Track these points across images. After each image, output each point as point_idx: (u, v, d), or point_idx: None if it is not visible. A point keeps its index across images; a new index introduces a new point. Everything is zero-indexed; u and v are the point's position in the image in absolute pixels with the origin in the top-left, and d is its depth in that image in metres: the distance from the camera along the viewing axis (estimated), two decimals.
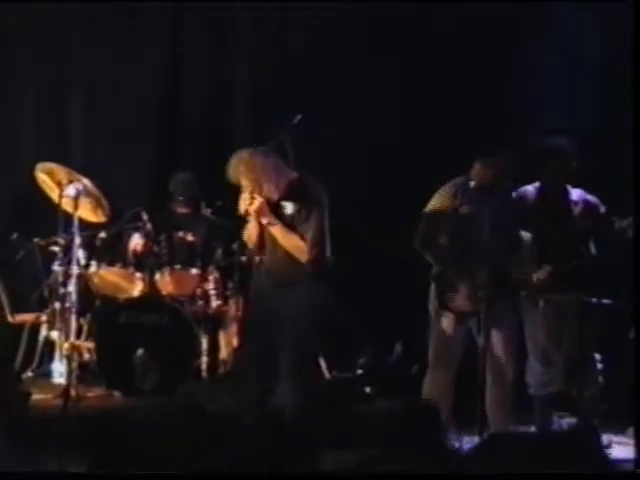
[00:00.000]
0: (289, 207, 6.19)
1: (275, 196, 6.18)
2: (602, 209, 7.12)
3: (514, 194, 7.10)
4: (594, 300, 6.86)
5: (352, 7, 8.64)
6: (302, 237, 6.15)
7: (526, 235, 6.92)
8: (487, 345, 6.52)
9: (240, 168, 6.13)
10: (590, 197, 7.17)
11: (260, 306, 6.37)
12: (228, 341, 7.97)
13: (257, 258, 6.41)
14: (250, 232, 6.27)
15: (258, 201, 6.11)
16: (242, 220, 6.36)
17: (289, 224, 6.17)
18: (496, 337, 6.57)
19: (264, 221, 6.15)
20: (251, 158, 6.13)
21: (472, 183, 6.63)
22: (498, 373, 6.59)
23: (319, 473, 4.08)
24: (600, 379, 7.01)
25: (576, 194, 7.20)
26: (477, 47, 8.63)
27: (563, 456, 4.92)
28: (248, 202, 6.13)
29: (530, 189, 7.23)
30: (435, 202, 6.69)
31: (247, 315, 7.03)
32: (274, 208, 6.18)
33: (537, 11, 8.55)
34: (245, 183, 6.13)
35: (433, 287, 6.70)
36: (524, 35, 8.64)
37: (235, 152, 6.24)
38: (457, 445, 6.47)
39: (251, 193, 6.12)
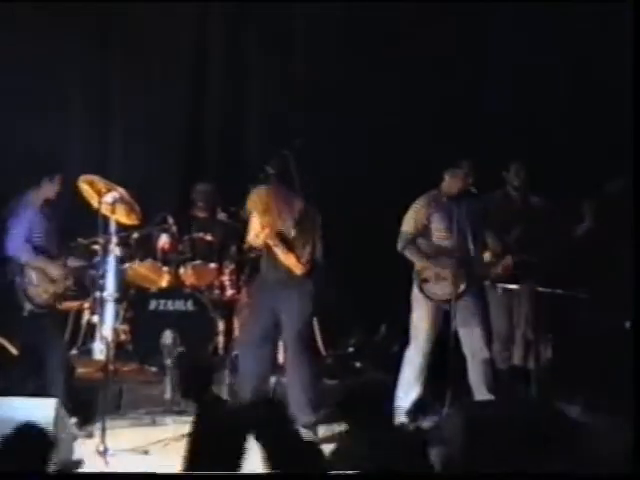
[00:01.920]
0: (292, 232, 6.61)
1: (281, 224, 6.61)
2: (556, 213, 7.43)
3: (482, 199, 7.29)
4: (546, 289, 7.08)
5: (349, 21, 8.72)
6: (298, 258, 6.58)
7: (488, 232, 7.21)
8: (461, 328, 6.80)
9: (256, 205, 6.61)
10: (547, 203, 7.52)
11: (262, 299, 6.78)
12: (240, 324, 7.99)
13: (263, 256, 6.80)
14: (255, 241, 6.72)
15: (267, 230, 6.59)
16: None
17: (289, 244, 6.60)
18: (469, 321, 6.84)
19: (270, 243, 6.61)
20: (266, 195, 6.59)
21: (442, 193, 6.92)
22: (476, 351, 6.83)
23: (320, 473, 3.91)
24: (551, 355, 7.33)
25: (535, 200, 7.55)
26: (453, 52, 8.67)
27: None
28: (259, 230, 6.62)
29: (494, 194, 7.56)
30: (412, 212, 6.93)
31: (250, 305, 7.24)
32: (279, 231, 6.63)
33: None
34: (258, 215, 6.60)
35: (414, 280, 6.93)
36: (504, 36, 8.58)
37: (247, 167, 6.82)
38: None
39: (262, 224, 6.60)
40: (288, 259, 6.61)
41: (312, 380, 6.70)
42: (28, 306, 6.84)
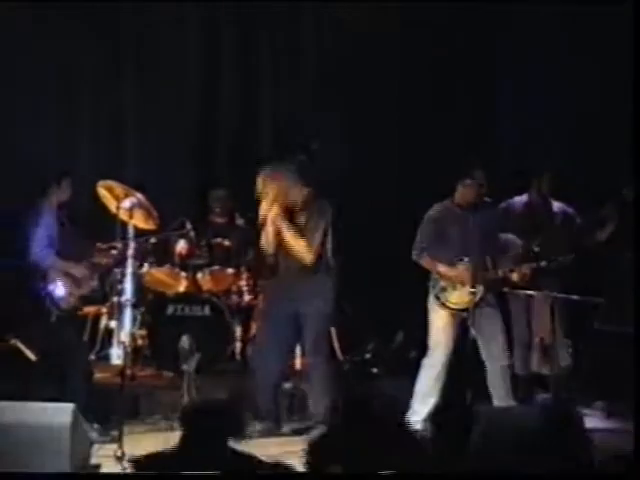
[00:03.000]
0: (301, 217, 6.59)
1: (290, 206, 6.57)
2: (578, 219, 7.42)
3: (503, 204, 7.38)
4: (564, 295, 7.00)
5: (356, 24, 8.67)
6: (308, 244, 6.53)
7: (511, 237, 7.17)
8: (480, 336, 6.73)
9: (265, 180, 6.58)
10: (569, 209, 7.46)
11: (280, 303, 6.72)
12: (257, 326, 7.90)
13: (272, 259, 6.72)
14: (266, 236, 6.64)
15: (275, 209, 6.54)
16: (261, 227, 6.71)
17: (299, 231, 6.56)
18: (488, 328, 6.77)
19: (278, 224, 6.54)
20: (274, 173, 6.59)
21: (456, 202, 6.88)
22: (495, 358, 6.76)
23: (320, 474, 3.93)
24: (569, 361, 7.27)
25: (557, 206, 7.51)
26: (463, 59, 8.66)
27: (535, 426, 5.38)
28: (267, 209, 6.56)
29: (518, 200, 7.55)
30: (427, 220, 6.89)
31: (266, 307, 7.13)
32: (288, 216, 6.58)
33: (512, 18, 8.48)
34: (266, 193, 6.56)
35: (430, 288, 6.88)
36: (509, 44, 8.64)
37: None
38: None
39: (270, 202, 6.55)
40: (298, 244, 6.55)
41: (333, 384, 6.64)
42: (55, 311, 6.76)
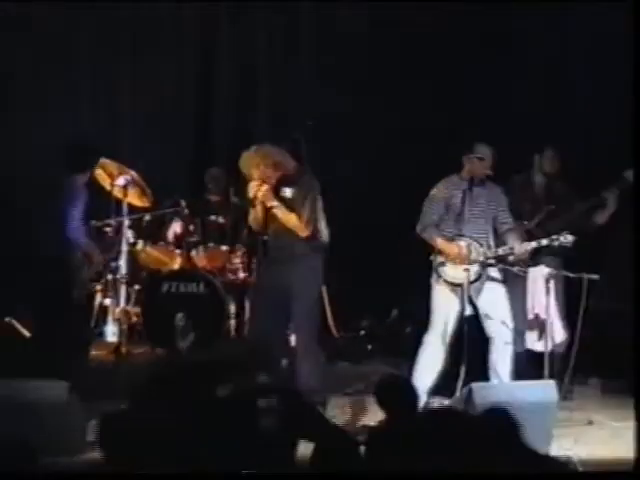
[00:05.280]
0: (289, 192, 6.44)
1: (278, 182, 6.43)
2: (578, 200, 7.33)
3: (507, 182, 7.22)
4: (559, 271, 6.94)
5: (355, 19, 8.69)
6: (300, 217, 6.40)
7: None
8: (482, 312, 6.67)
9: (251, 161, 6.42)
10: (571, 189, 7.37)
11: (268, 278, 6.59)
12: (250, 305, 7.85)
13: (263, 237, 6.56)
14: (256, 215, 6.50)
15: (264, 187, 6.38)
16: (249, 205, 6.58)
17: (289, 206, 6.42)
18: (489, 305, 6.71)
19: (268, 204, 6.40)
20: (258, 152, 6.43)
21: (461, 177, 6.83)
22: (495, 335, 6.70)
23: (320, 473, 3.92)
24: (565, 339, 7.11)
25: (560, 186, 7.41)
26: (464, 50, 8.58)
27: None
28: (256, 188, 6.40)
29: (519, 178, 7.46)
30: (431, 195, 6.83)
31: (255, 285, 7.03)
32: (277, 193, 6.44)
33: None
34: (254, 173, 6.40)
35: (433, 263, 6.79)
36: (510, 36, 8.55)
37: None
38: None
39: (259, 180, 6.40)
40: (289, 219, 6.44)
41: (320, 362, 6.53)
42: (76, 293, 6.74)
